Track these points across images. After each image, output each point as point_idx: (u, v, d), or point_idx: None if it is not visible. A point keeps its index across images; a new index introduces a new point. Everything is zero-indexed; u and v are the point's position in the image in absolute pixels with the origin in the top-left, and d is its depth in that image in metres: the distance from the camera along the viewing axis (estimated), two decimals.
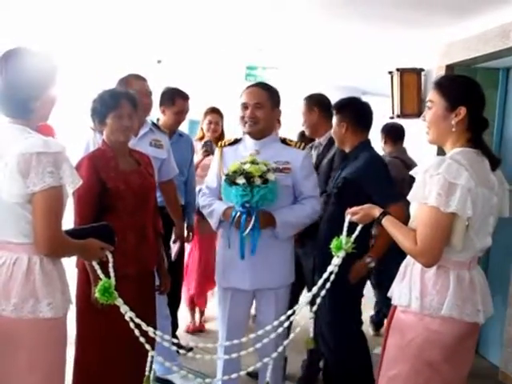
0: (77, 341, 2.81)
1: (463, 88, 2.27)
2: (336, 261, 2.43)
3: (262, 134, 3.02)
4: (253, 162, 2.82)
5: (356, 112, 3.34)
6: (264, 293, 3.02)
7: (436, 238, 2.11)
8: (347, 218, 2.44)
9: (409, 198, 2.22)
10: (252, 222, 2.81)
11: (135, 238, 2.79)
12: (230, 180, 2.81)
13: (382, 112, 5.14)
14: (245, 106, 2.98)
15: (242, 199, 2.77)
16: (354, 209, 2.42)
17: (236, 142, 3.14)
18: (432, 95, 2.28)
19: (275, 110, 3.07)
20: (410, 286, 2.22)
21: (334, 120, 3.39)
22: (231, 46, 5.97)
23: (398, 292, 2.29)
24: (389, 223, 2.29)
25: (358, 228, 2.43)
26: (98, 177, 2.72)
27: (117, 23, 5.25)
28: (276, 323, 2.53)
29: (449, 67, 4.76)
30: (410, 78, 5.34)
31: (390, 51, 5.44)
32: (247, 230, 2.82)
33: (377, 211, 2.35)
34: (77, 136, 3.69)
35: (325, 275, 2.45)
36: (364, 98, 3.67)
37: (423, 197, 2.12)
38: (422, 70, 5.32)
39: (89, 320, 2.77)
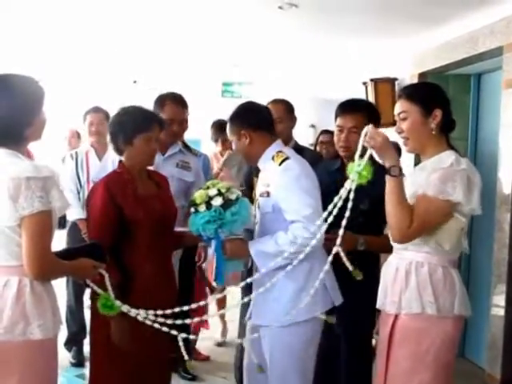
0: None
1: (433, 91, 2.34)
2: (348, 184, 2.11)
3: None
4: (208, 187, 2.48)
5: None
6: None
7: (430, 227, 2.14)
8: (362, 140, 2.13)
9: (432, 192, 2.11)
10: (212, 250, 2.51)
11: (153, 272, 2.54)
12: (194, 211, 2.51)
13: None
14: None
15: (192, 228, 2.48)
16: (375, 131, 2.14)
17: None
18: (403, 106, 2.27)
19: None
20: (419, 291, 2.18)
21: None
22: (207, 62, 6.01)
23: (405, 301, 2.20)
24: (396, 184, 2.14)
25: (368, 153, 2.13)
26: (113, 202, 2.50)
27: (93, 44, 5.26)
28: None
29: (422, 75, 4.86)
30: (384, 87, 5.45)
31: (363, 62, 5.54)
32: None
33: (393, 157, 2.15)
34: (51, 157, 3.66)
35: (335, 199, 2.14)
36: None
37: (444, 191, 2.10)
38: (395, 79, 5.43)
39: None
